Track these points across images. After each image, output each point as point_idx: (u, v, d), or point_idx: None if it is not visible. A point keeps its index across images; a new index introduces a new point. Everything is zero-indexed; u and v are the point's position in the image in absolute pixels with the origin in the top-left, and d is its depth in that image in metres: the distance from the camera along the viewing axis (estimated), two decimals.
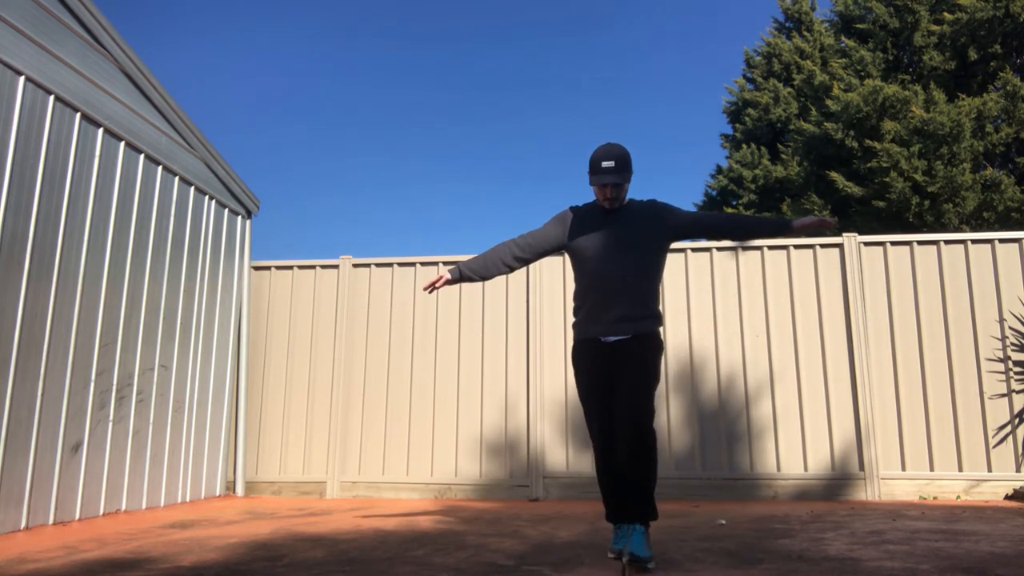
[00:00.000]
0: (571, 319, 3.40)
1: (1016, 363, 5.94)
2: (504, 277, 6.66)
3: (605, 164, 3.12)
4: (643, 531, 2.94)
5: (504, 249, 3.31)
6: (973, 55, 11.52)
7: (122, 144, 5.14)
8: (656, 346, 3.15)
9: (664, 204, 3.29)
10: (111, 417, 4.95)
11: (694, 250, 6.49)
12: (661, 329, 3.29)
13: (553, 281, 6.54)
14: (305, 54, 35.46)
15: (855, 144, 11.52)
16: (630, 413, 2.98)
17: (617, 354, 3.10)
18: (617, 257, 3.13)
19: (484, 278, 3.34)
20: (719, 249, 6.44)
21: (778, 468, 6.00)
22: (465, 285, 6.67)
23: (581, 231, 3.23)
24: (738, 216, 3.33)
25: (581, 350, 3.22)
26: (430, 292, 3.12)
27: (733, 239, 3.40)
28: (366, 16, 33.93)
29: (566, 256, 6.29)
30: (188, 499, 5.83)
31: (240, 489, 6.40)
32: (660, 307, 3.23)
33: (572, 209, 3.33)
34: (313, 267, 6.90)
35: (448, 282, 3.32)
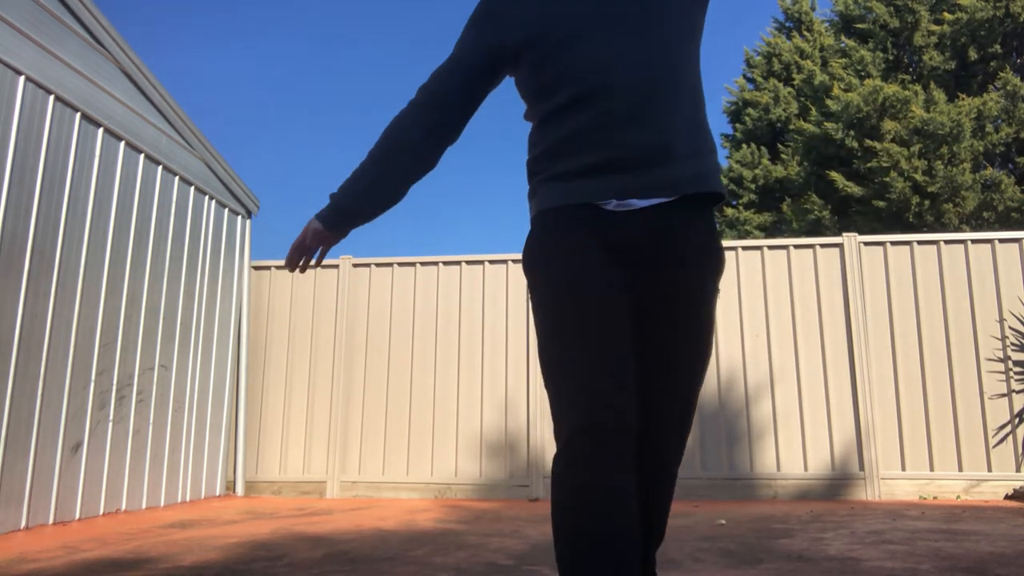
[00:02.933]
0: None
1: (1016, 363, 5.94)
2: (504, 275, 6.64)
3: None
4: None
5: (406, 127, 1.64)
6: (973, 55, 11.53)
7: (122, 144, 5.14)
8: (720, 262, 1.56)
9: None
10: (111, 417, 4.95)
11: None
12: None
13: None
14: (305, 51, 35.48)
15: (855, 144, 11.53)
16: (681, 417, 1.52)
17: (648, 252, 1.46)
18: (632, 32, 1.49)
19: (390, 199, 1.69)
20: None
21: (778, 468, 6.00)
22: (465, 281, 6.66)
23: (546, 3, 1.54)
24: None
25: (562, 231, 1.47)
26: (303, 269, 1.76)
27: None
28: (368, 15, 33.95)
29: None
30: (188, 499, 5.82)
31: (240, 489, 6.40)
32: None
33: None
34: (313, 267, 6.88)
35: (326, 240, 1.71)
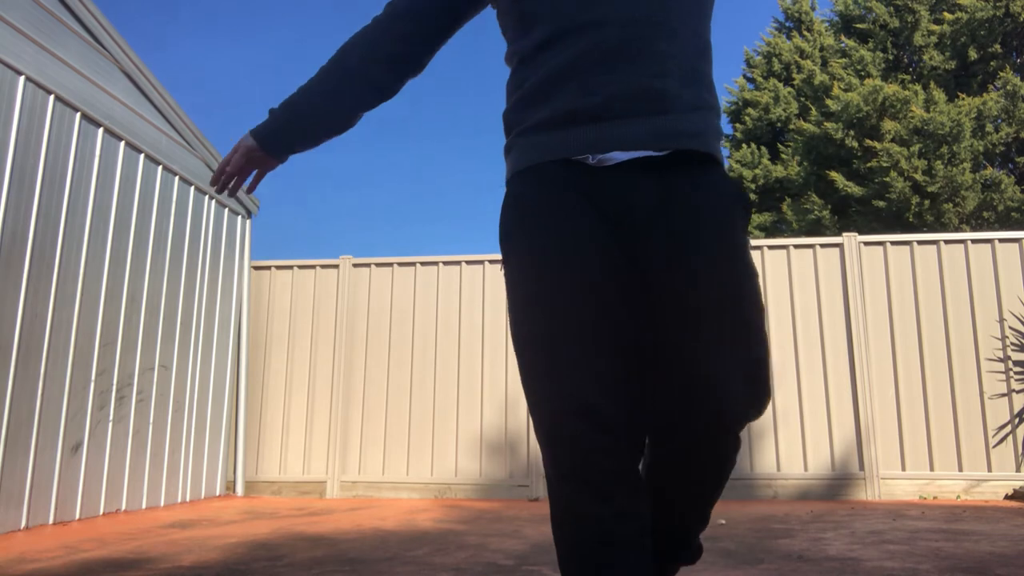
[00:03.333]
0: None
1: (1016, 363, 5.94)
2: (503, 275, 6.62)
3: None
4: None
5: (366, 49, 1.43)
6: (973, 55, 11.53)
7: (122, 144, 5.14)
8: (743, 206, 1.32)
9: None
10: (111, 417, 4.95)
11: None
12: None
13: None
14: (305, 50, 35.47)
15: (855, 144, 11.53)
16: (725, 410, 1.23)
17: (644, 219, 1.24)
18: None
19: (338, 126, 1.46)
20: None
21: (778, 468, 6.00)
22: (465, 281, 6.66)
23: None
24: None
25: (531, 193, 1.29)
26: (232, 191, 1.47)
27: None
28: (368, 14, 33.91)
29: None
30: (188, 499, 5.82)
31: (240, 489, 6.40)
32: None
33: None
34: (313, 267, 6.90)
35: (259, 162, 1.45)
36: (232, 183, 1.47)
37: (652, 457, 1.31)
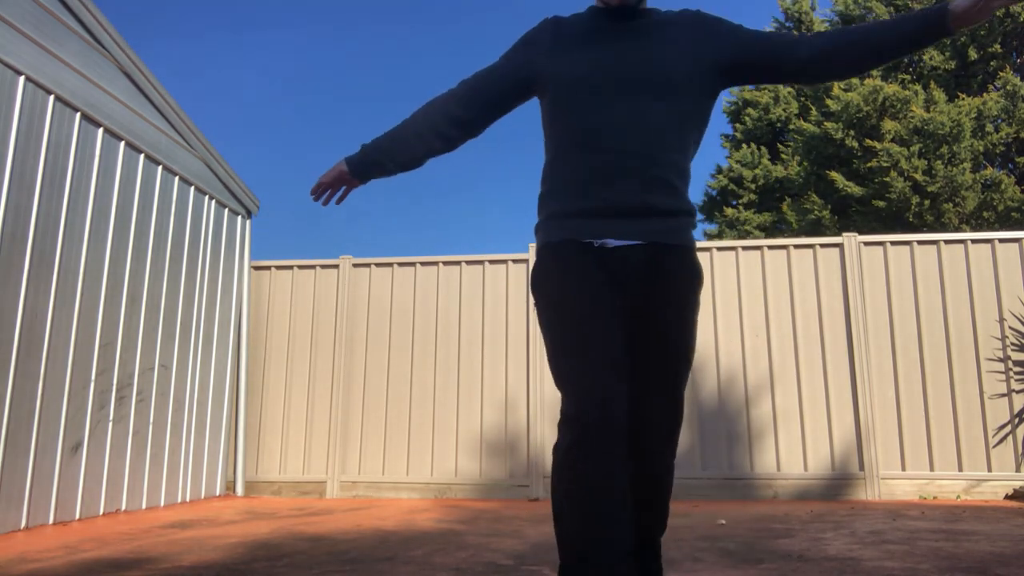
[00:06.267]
0: None
1: (1016, 363, 5.94)
2: (504, 275, 6.65)
3: None
4: None
5: (438, 109, 1.94)
6: (973, 55, 11.53)
7: (122, 144, 5.14)
8: (697, 281, 1.84)
9: (714, 16, 1.90)
10: (111, 417, 4.95)
11: None
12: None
13: None
14: (306, 49, 35.46)
15: (855, 144, 11.53)
16: (662, 428, 1.82)
17: (630, 281, 1.76)
18: (629, 96, 1.76)
19: (410, 163, 1.99)
20: (719, 249, 6.44)
21: (778, 468, 6.00)
22: (465, 281, 6.66)
23: (564, 52, 1.83)
24: (850, 31, 1.75)
25: (558, 256, 1.78)
26: (324, 202, 2.05)
27: (848, 68, 1.77)
28: (369, 5, 33.95)
29: None
30: (188, 499, 5.83)
31: (240, 489, 6.40)
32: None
33: (553, 19, 1.91)
34: (313, 267, 6.90)
35: (347, 181, 2.01)
36: (327, 195, 2.04)
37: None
